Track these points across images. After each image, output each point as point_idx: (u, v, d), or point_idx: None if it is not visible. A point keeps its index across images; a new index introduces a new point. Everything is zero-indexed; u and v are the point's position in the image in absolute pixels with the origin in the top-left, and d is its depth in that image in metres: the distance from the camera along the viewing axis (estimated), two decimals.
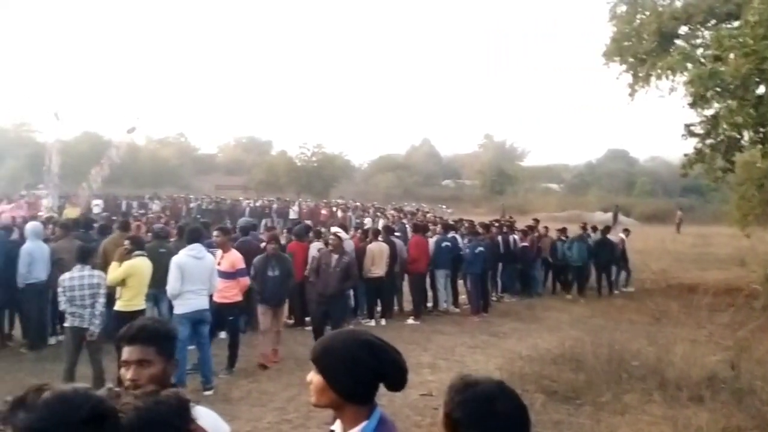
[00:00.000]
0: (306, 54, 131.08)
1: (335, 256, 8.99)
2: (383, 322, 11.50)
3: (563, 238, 15.89)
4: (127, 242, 7.88)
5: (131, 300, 7.38)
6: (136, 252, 7.70)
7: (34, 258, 8.88)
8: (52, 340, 9.42)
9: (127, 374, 2.25)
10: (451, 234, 13.41)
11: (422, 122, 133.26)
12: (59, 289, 6.94)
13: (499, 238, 14.41)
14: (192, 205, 32.85)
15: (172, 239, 10.47)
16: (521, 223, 18.33)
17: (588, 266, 15.52)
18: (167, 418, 1.62)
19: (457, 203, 48.32)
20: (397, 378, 1.98)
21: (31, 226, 9.53)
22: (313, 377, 1.97)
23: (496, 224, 15.75)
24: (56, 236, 9.96)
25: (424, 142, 73.39)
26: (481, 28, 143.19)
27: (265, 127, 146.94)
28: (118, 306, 7.39)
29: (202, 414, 2.32)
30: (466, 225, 15.26)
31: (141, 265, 7.61)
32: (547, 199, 49.35)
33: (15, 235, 10.14)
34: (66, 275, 6.97)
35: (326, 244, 10.05)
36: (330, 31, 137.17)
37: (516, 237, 15.17)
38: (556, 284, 15.94)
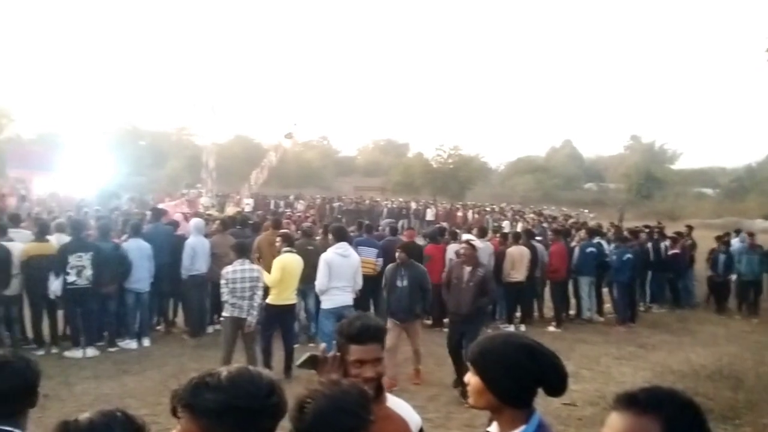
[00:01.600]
0: (443, 56, 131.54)
1: (468, 269, 7.52)
2: (522, 328, 11.27)
3: (723, 247, 14.19)
4: (278, 239, 8.36)
5: (281, 294, 7.76)
6: (285, 248, 8.16)
7: (196, 252, 9.62)
8: (209, 329, 10.14)
9: (365, 372, 2.30)
10: (596, 239, 12.88)
11: (563, 122, 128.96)
12: (222, 281, 7.44)
13: (649, 244, 13.63)
14: (334, 205, 34.05)
15: (317, 237, 10.90)
16: (670, 230, 17.17)
17: (760, 280, 13.69)
18: (353, 407, 1.69)
19: (600, 208, 46.20)
20: (556, 383, 1.97)
21: (194, 222, 10.34)
22: (471, 378, 1.99)
23: (646, 230, 14.89)
24: (213, 232, 10.70)
25: (566, 143, 71.05)
26: (628, 19, 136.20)
27: (402, 129, 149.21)
28: (270, 300, 7.82)
29: (396, 403, 2.40)
30: (613, 230, 14.56)
31: (291, 260, 8.01)
32: (700, 205, 45.92)
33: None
34: (229, 268, 7.47)
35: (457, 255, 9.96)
36: (467, 32, 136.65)
37: (666, 244, 14.24)
38: (714, 299, 14.27)
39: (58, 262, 8.46)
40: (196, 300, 9.87)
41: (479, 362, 1.98)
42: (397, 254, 8.08)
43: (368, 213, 30.16)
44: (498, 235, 13.07)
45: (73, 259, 8.47)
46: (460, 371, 7.14)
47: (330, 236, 8.48)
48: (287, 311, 7.98)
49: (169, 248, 9.69)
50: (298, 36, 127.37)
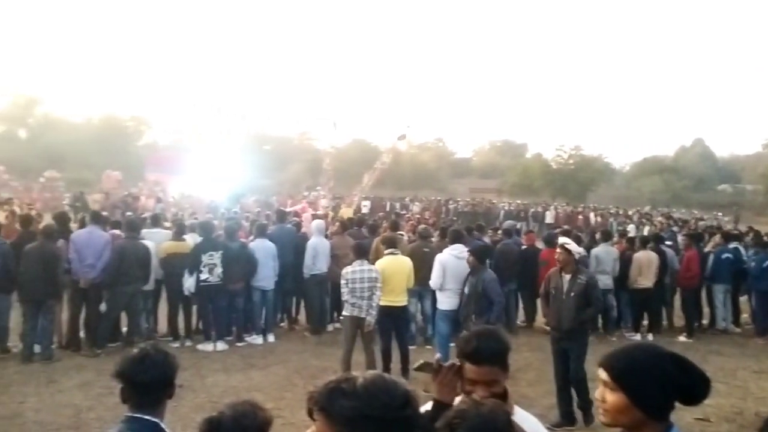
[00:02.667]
0: (562, 52, 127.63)
1: (567, 277, 6.60)
2: (650, 336, 10.69)
3: None
4: (378, 240, 8.44)
5: (386, 296, 7.80)
6: (388, 250, 8.22)
7: (317, 252, 9.92)
8: (330, 327, 10.41)
9: (476, 391, 2.25)
10: (732, 245, 11.98)
11: (694, 120, 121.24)
12: (342, 281, 7.62)
13: None
14: (450, 206, 33.99)
15: (434, 240, 10.90)
16: None
17: None
18: (499, 426, 1.67)
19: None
20: (702, 392, 1.88)
21: (315, 223, 10.67)
22: (609, 395, 1.88)
23: None
24: (333, 232, 10.98)
25: (697, 141, 66.76)
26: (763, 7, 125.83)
27: (520, 129, 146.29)
28: (381, 301, 7.90)
29: (523, 417, 2.34)
30: (752, 235, 13.49)
31: (392, 262, 8.07)
32: None
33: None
34: (348, 268, 7.64)
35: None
36: (585, 25, 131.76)
37: None
38: None
39: (192, 261, 9.02)
40: (317, 298, 10.18)
41: (625, 377, 1.86)
42: (467, 258, 7.56)
43: (485, 215, 29.83)
44: (624, 239, 12.50)
45: (205, 258, 9.01)
46: (566, 399, 6.65)
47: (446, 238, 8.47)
48: (397, 313, 8.02)
49: (292, 248, 10.06)
50: (414, 38, 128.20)
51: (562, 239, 7.00)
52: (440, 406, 2.28)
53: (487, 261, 8.46)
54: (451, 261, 7.88)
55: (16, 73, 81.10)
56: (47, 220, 11.48)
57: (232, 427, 2.18)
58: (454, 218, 28.90)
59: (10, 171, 35.06)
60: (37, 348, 8.25)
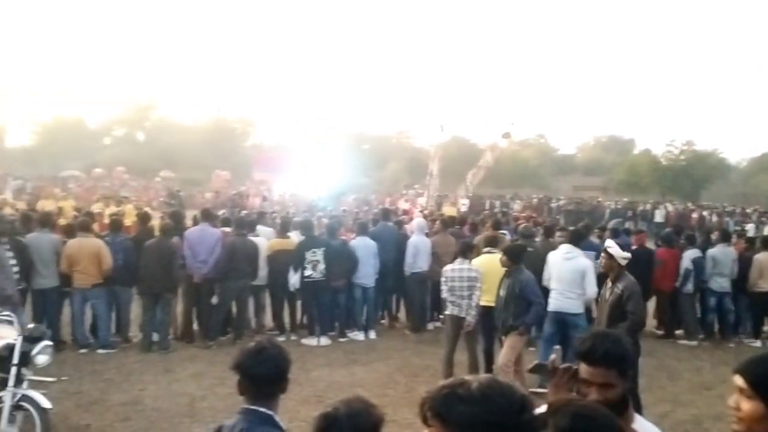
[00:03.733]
0: (671, 44, 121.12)
1: (608, 284, 6.33)
2: None
3: None
4: (479, 238, 8.32)
5: (484, 295, 7.65)
6: (485, 249, 8.11)
7: (418, 250, 9.94)
8: (430, 326, 10.41)
9: (590, 394, 2.23)
10: None
11: None
12: (442, 279, 7.59)
13: None
14: (552, 205, 33.13)
15: (537, 239, 10.66)
16: None
17: None
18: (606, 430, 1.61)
19: None
20: None
21: (416, 221, 10.71)
22: (744, 404, 1.77)
23: None
24: (434, 231, 10.96)
25: None
26: None
27: (627, 124, 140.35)
28: (481, 301, 7.78)
29: (644, 426, 2.26)
30: None
31: (488, 261, 7.94)
32: None
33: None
34: (448, 267, 7.60)
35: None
36: (694, 15, 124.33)
37: None
38: None
39: (296, 257, 9.28)
40: (417, 297, 10.20)
41: (764, 385, 1.77)
42: (500, 258, 7.24)
43: (589, 214, 28.86)
44: (742, 239, 11.72)
45: (308, 255, 9.24)
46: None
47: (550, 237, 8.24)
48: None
49: (394, 246, 10.13)
50: (517, 32, 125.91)
51: (606, 243, 6.64)
52: None
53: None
54: (557, 261, 7.71)
55: (135, 80, 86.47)
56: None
57: (347, 424, 2.21)
58: (557, 217, 28.14)
59: (130, 171, 37.46)
60: (155, 338, 8.76)
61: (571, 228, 9.28)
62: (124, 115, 59.25)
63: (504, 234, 10.52)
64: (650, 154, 54.30)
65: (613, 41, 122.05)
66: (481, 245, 8.47)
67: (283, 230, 10.02)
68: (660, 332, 10.35)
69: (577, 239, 7.99)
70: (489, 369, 7.62)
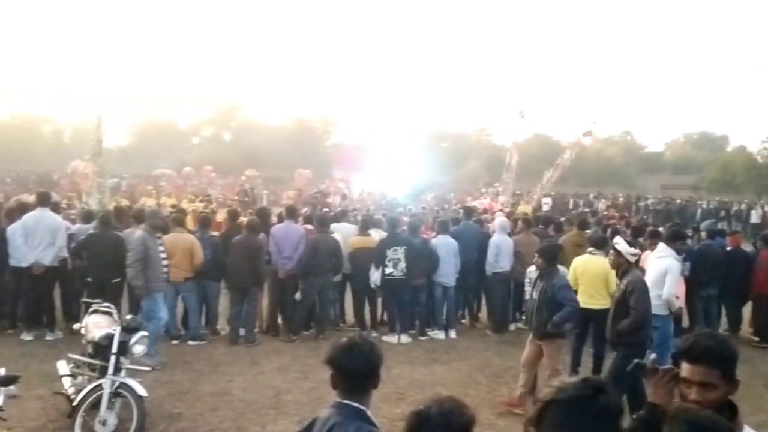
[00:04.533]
0: (765, 34, 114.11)
1: (617, 282, 6.26)
2: None
3: None
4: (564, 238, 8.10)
5: (580, 296, 7.45)
6: (589, 249, 7.88)
7: (500, 249, 9.80)
8: (511, 327, 10.25)
9: (690, 394, 2.19)
10: None
11: None
12: (526, 280, 7.48)
13: None
14: (640, 204, 31.96)
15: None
16: None
17: None
18: None
19: None
20: None
21: (499, 220, 10.55)
22: None
23: None
24: (517, 230, 10.78)
25: None
26: None
27: (720, 120, 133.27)
28: (582, 303, 7.57)
29: None
30: None
31: (587, 262, 7.70)
32: None
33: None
34: (532, 267, 7.46)
35: None
36: None
37: None
38: None
39: (378, 255, 9.34)
40: (499, 297, 10.06)
41: None
42: (534, 259, 6.88)
43: (679, 213, 27.68)
44: None
45: (390, 253, 9.28)
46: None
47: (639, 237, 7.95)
48: (597, 316, 7.67)
49: (476, 245, 10.03)
50: (601, 27, 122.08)
51: (615, 239, 6.44)
52: (654, 409, 2.22)
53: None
54: (651, 261, 7.47)
55: (222, 82, 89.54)
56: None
57: (439, 422, 2.20)
58: (645, 216, 27.11)
59: (217, 170, 38.83)
60: (241, 332, 9.04)
61: (669, 226, 8.90)
62: (212, 116, 61.49)
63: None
64: (745, 151, 51.46)
65: (704, 32, 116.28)
66: (568, 244, 8.27)
67: (363, 228, 10.11)
68: (756, 339, 9.79)
69: (673, 239, 7.66)
70: (575, 371, 7.43)
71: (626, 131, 67.07)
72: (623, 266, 6.10)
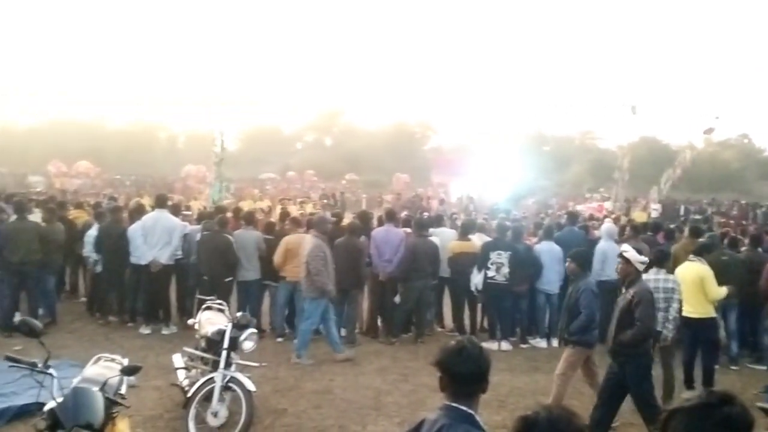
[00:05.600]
0: None
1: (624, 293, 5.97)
2: None
3: None
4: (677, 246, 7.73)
5: (684, 306, 7.12)
6: (689, 256, 7.52)
7: (607, 257, 9.42)
8: None
9: None
10: None
11: None
12: None
13: None
14: (757, 211, 29.89)
15: (743, 248, 9.70)
16: None
17: None
18: None
19: None
20: None
21: (606, 227, 10.19)
22: None
23: None
24: (625, 237, 10.36)
25: None
26: None
27: None
28: (683, 311, 7.25)
29: None
30: None
31: (684, 270, 7.32)
32: None
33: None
34: (643, 276, 7.15)
35: None
36: None
37: None
38: None
39: (481, 259, 9.26)
40: (605, 306, 9.69)
41: None
42: (567, 263, 6.76)
43: None
44: None
45: (494, 256, 9.18)
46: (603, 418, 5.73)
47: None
48: (699, 326, 7.27)
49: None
50: (713, 24, 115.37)
51: (623, 247, 6.28)
52: None
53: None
54: None
55: (325, 88, 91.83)
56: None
57: (546, 429, 2.16)
58: (764, 224, 25.31)
59: (318, 174, 39.88)
60: (342, 332, 9.21)
61: None
62: (315, 121, 63.21)
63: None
64: None
65: None
66: (681, 253, 7.89)
67: (464, 233, 10.05)
68: None
69: None
70: (689, 386, 7.09)
71: (743, 134, 62.91)
72: (631, 275, 5.87)
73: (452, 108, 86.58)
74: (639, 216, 18.57)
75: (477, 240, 9.86)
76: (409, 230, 9.98)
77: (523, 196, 27.63)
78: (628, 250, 5.99)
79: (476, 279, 9.27)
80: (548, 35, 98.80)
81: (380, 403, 6.82)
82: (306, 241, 8.36)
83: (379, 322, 9.72)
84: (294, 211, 15.17)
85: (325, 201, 26.98)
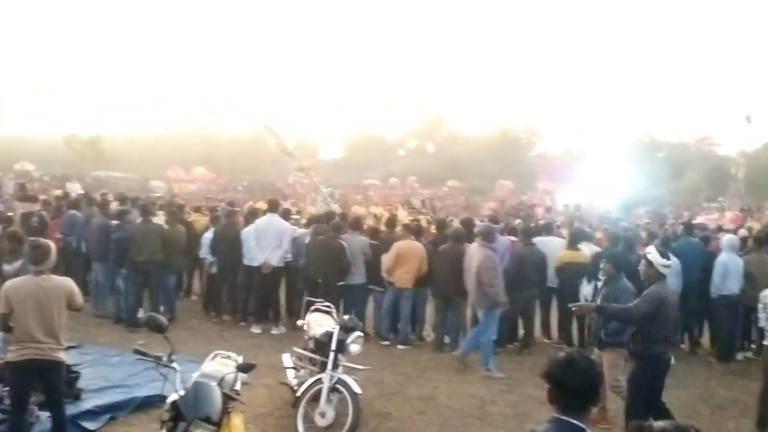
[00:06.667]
0: None
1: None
2: None
3: None
4: None
5: None
6: None
7: (728, 270, 8.90)
8: (739, 356, 9.26)
9: None
10: None
11: None
12: (759, 305, 6.73)
13: None
14: None
15: None
16: None
17: None
18: None
19: None
20: None
21: (727, 238, 9.58)
22: None
23: None
24: (747, 249, 9.73)
25: None
26: None
27: None
28: None
29: None
30: None
31: None
32: None
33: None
34: (767, 291, 6.70)
35: None
36: None
37: None
38: None
39: (592, 267, 8.93)
40: (725, 322, 9.13)
41: None
42: (602, 264, 6.70)
43: None
44: None
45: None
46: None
47: None
48: None
49: (699, 264, 9.22)
50: None
51: (647, 249, 6.11)
52: None
53: None
54: None
55: (428, 94, 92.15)
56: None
57: None
58: None
59: (420, 181, 40.00)
60: (446, 339, 9.19)
61: None
62: (418, 128, 63.55)
63: None
64: None
65: None
66: None
67: (573, 242, 9.76)
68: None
69: None
70: None
71: None
72: (653, 277, 5.68)
73: (559, 112, 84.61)
74: (753, 224, 17.28)
75: (587, 249, 9.55)
76: (514, 238, 9.82)
77: (634, 204, 26.45)
78: (652, 252, 5.82)
79: (585, 290, 8.96)
80: (660, 36, 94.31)
81: (485, 412, 6.74)
82: (472, 251, 8.33)
83: None
84: (404, 217, 15.27)
85: (414, 207, 27.00)
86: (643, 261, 5.91)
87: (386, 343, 9.30)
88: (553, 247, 9.79)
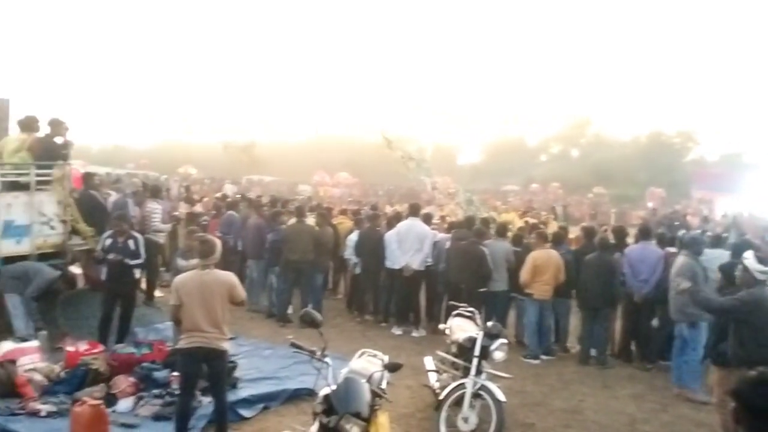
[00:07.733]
0: None
1: None
2: None
3: None
4: None
5: None
6: None
7: None
8: None
9: None
10: None
11: None
12: None
13: None
14: None
15: None
16: None
17: None
18: None
19: None
20: None
21: None
22: None
23: None
24: None
25: None
26: None
27: None
28: None
29: None
30: None
31: None
32: None
33: None
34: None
35: None
36: None
37: None
38: None
39: None
40: None
41: None
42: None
43: None
44: None
45: None
46: None
47: None
48: None
49: None
50: None
51: (744, 254, 5.78)
52: None
53: None
54: None
55: (573, 97, 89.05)
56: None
57: None
58: None
59: (563, 187, 38.76)
60: (592, 352, 8.82)
61: None
62: (561, 132, 61.61)
63: None
64: None
65: None
66: None
67: (736, 254, 8.98)
68: None
69: None
70: None
71: None
72: (749, 283, 5.53)
73: (718, 115, 78.39)
74: None
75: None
76: (672, 249, 9.21)
77: None
78: (749, 258, 5.64)
79: None
80: None
81: (635, 430, 6.42)
82: (677, 262, 7.84)
83: (632, 346, 9.11)
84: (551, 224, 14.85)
85: (544, 213, 26.04)
86: (739, 266, 5.74)
87: (536, 362, 8.77)
88: (718, 263, 9.02)
